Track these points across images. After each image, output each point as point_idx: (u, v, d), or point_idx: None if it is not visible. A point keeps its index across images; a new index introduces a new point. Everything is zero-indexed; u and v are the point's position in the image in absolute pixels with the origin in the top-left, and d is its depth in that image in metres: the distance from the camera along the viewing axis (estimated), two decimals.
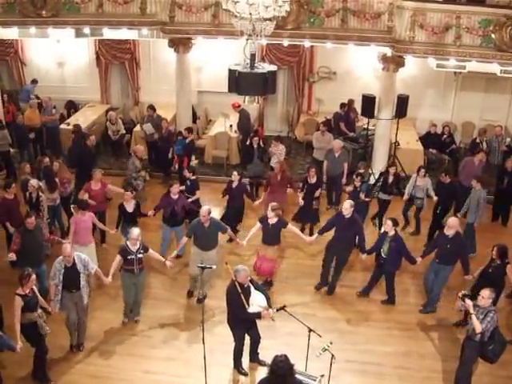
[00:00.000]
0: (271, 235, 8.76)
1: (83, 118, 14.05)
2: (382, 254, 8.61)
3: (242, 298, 6.76)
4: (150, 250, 8.11)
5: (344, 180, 11.44)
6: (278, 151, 11.75)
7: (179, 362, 7.62)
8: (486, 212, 10.42)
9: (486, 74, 12.81)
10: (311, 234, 10.18)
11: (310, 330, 6.59)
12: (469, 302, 6.70)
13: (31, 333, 6.80)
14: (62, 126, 13.66)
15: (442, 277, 8.47)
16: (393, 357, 7.80)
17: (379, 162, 12.54)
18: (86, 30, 11.97)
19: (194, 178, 10.25)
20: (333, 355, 6.19)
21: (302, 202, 10.40)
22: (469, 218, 9.92)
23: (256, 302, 6.87)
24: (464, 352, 7.03)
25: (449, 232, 8.33)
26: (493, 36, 10.56)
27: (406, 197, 10.51)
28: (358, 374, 7.47)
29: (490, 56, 10.72)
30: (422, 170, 10.32)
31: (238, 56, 7.97)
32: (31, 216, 8.15)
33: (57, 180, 9.99)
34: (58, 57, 15.20)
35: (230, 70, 7.65)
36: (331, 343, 6.27)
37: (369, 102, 12.07)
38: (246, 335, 7.27)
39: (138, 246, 7.82)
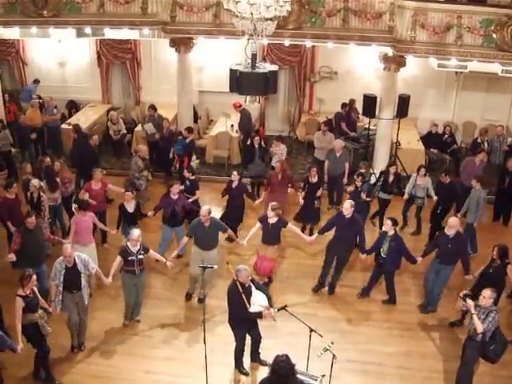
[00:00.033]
0: (271, 235, 8.76)
1: (84, 118, 14.06)
2: (382, 254, 8.60)
3: (243, 297, 6.74)
4: (151, 251, 8.10)
5: (345, 180, 11.42)
6: (279, 151, 11.74)
7: (180, 361, 7.62)
8: (485, 212, 10.42)
9: (487, 74, 12.80)
10: (311, 233, 10.18)
11: (311, 330, 6.59)
12: (470, 302, 6.70)
13: (32, 333, 6.79)
14: (64, 126, 13.65)
15: (442, 277, 8.46)
16: (394, 357, 7.79)
17: (380, 162, 12.52)
18: (88, 29, 12.00)
19: (193, 178, 10.23)
20: (334, 355, 6.20)
21: (301, 202, 10.39)
22: (468, 218, 9.91)
23: (257, 301, 6.87)
24: (465, 352, 7.03)
25: (449, 232, 8.33)
26: (494, 36, 10.56)
27: (405, 196, 10.53)
28: (359, 374, 7.47)
29: (491, 56, 10.72)
30: (422, 169, 10.32)
31: (239, 56, 7.96)
32: (31, 215, 8.15)
33: (58, 180, 10.00)
34: (59, 57, 15.21)
35: (231, 70, 7.65)
36: (332, 343, 6.28)
37: (370, 102, 12.08)
38: (247, 335, 7.26)
39: (138, 246, 7.80)
